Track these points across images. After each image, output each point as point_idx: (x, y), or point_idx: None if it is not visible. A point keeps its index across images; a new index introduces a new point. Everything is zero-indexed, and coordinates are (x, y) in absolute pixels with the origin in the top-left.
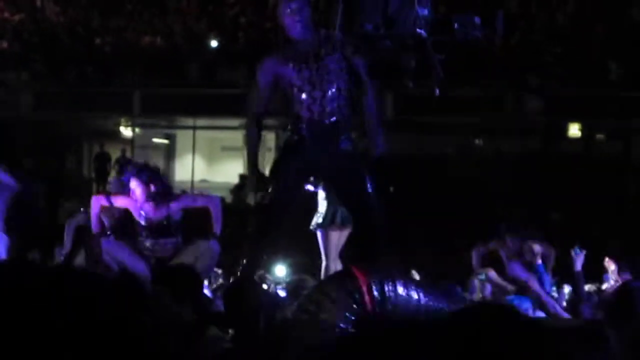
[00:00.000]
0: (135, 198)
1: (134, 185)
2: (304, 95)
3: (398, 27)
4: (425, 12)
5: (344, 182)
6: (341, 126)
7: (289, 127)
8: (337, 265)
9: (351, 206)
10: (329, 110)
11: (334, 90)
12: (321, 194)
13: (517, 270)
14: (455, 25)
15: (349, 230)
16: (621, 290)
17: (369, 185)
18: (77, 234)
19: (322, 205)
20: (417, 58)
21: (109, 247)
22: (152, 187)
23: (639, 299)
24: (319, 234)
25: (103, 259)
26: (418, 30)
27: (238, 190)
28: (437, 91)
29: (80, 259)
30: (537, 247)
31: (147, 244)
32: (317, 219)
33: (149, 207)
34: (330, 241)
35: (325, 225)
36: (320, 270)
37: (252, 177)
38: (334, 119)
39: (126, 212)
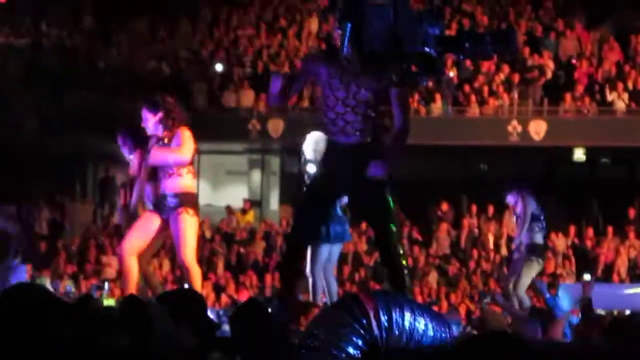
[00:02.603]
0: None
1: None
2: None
3: (407, 46)
4: (437, 31)
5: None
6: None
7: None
8: (326, 282)
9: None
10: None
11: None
12: None
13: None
14: (466, 44)
15: (339, 246)
16: None
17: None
18: None
19: None
20: (427, 77)
21: None
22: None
23: None
24: (308, 249)
25: None
26: (427, 49)
27: (242, 214)
28: (449, 110)
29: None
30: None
31: None
32: None
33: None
34: (318, 257)
35: (315, 241)
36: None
37: None
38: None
39: None
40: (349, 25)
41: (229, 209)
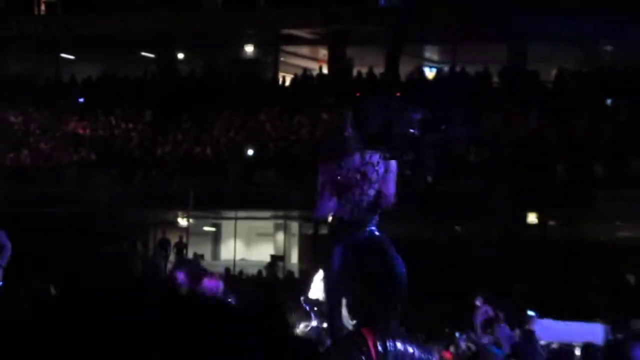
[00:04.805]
0: None
1: None
2: None
3: (397, 128)
4: (419, 115)
5: None
6: None
7: None
8: None
9: None
10: None
11: None
12: None
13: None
14: (442, 126)
15: None
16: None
17: None
18: None
19: None
20: (412, 154)
21: None
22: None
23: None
24: None
25: None
26: (411, 130)
27: (269, 267)
28: (429, 179)
29: None
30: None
31: None
32: None
33: None
34: None
35: None
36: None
37: None
38: None
39: None
40: (349, 113)
41: None
